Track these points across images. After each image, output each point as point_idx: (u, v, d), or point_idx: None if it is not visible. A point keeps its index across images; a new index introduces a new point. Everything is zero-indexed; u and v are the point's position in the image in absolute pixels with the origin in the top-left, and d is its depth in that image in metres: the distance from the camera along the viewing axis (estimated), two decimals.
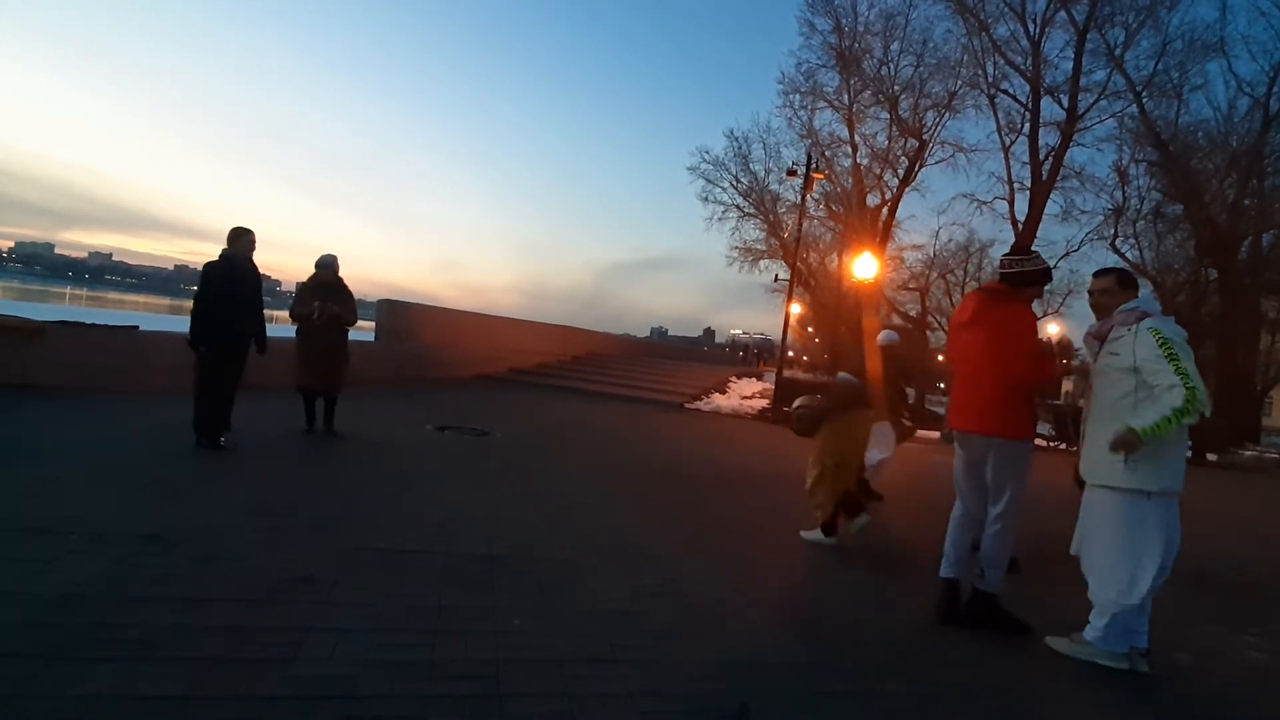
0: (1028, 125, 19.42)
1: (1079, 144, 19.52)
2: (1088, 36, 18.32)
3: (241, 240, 5.01)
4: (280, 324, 6.28)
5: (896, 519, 5.42)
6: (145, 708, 1.77)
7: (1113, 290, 2.97)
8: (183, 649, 2.07)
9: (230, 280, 4.87)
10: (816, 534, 4.29)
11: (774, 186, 23.37)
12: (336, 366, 5.85)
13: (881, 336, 5.95)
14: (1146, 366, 2.69)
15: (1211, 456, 16.42)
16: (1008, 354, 3.00)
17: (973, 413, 3.13)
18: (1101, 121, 19.29)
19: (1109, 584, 2.82)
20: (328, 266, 5.90)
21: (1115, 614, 2.78)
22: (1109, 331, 2.88)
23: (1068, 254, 21.84)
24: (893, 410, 5.34)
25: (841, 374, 4.62)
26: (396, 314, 12.48)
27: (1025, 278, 3.15)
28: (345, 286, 5.97)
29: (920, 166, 21.20)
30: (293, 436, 5.61)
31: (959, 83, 19.91)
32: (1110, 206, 20.21)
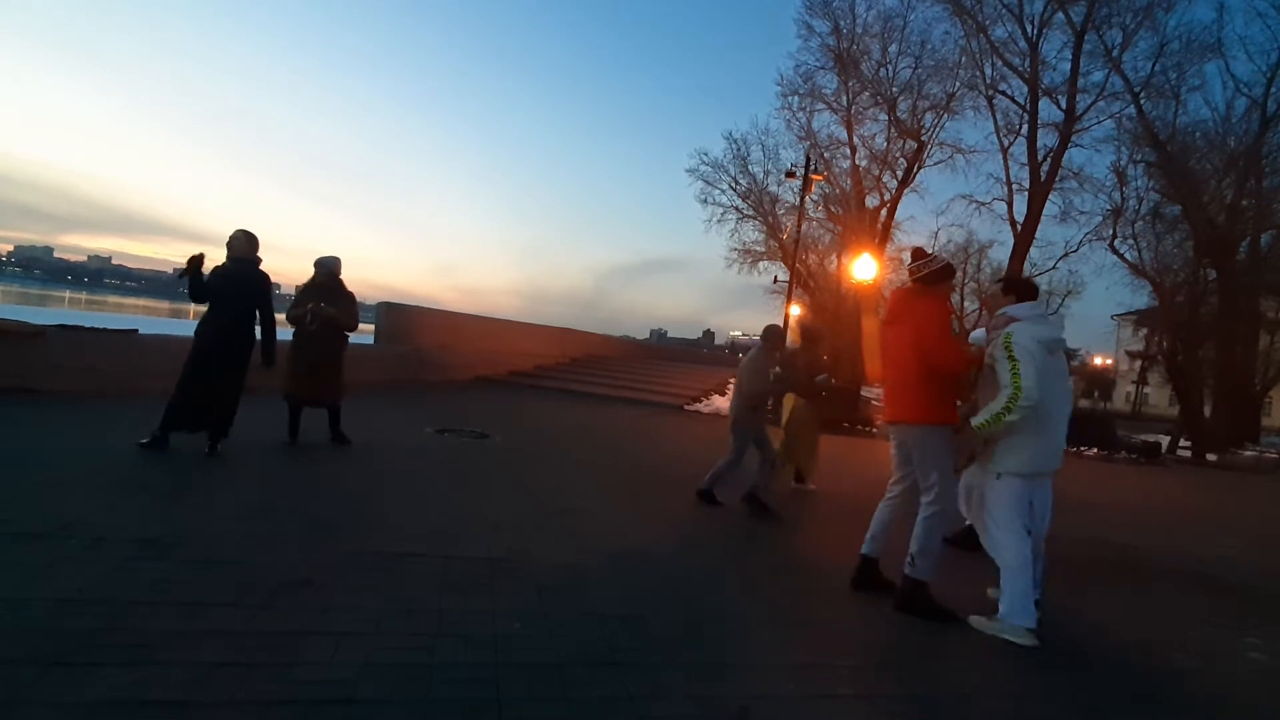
0: (1026, 126, 19.48)
1: (1077, 145, 19.59)
2: (1085, 38, 18.37)
3: (234, 245, 4.92)
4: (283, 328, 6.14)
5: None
6: (145, 713, 1.77)
7: (995, 295, 3.41)
8: (182, 653, 2.06)
9: (223, 283, 4.79)
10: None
11: (773, 188, 23.36)
12: (329, 375, 5.59)
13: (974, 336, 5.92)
14: (996, 366, 3.05)
15: (1211, 457, 16.44)
16: (928, 344, 3.18)
17: (901, 403, 3.29)
18: (1099, 122, 19.36)
19: (1001, 559, 3.13)
20: (323, 267, 5.63)
21: (1011, 587, 3.05)
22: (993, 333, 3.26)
23: (1066, 255, 21.86)
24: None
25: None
26: (395, 316, 12.48)
27: (934, 276, 3.37)
28: (345, 289, 5.72)
29: (919, 168, 21.23)
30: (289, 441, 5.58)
31: (957, 84, 19.96)
32: (1109, 207, 20.24)
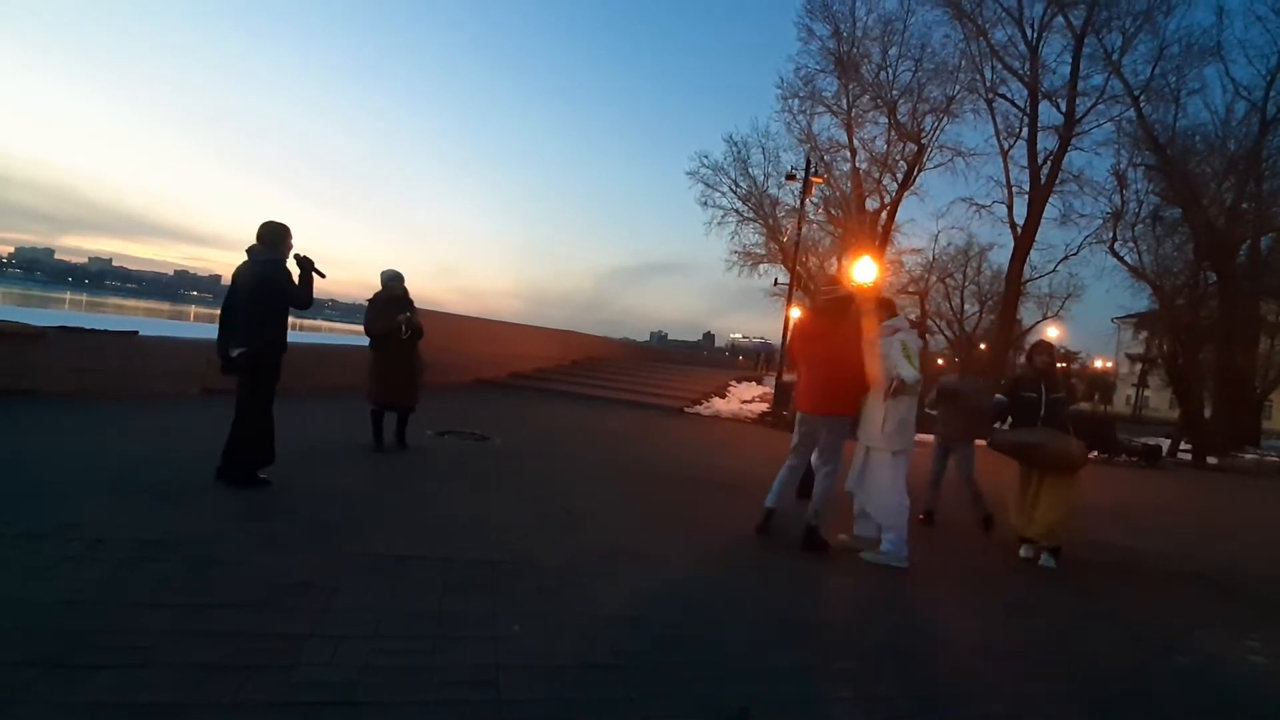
0: (1026, 129, 19.50)
1: (1077, 148, 19.59)
2: (1085, 41, 18.39)
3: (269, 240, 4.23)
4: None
5: None
6: (145, 714, 1.77)
7: (876, 313, 4.35)
8: (182, 655, 2.06)
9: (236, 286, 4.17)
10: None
11: (773, 191, 23.31)
12: (414, 380, 5.88)
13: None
14: (893, 359, 4.05)
15: (1212, 460, 16.41)
16: (856, 357, 4.13)
17: (829, 398, 4.20)
18: (1099, 125, 19.35)
19: (890, 513, 4.05)
20: (398, 280, 5.92)
21: (898, 534, 4.01)
22: (877, 341, 4.17)
23: (1066, 258, 21.87)
24: None
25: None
26: None
27: (844, 304, 4.40)
28: (411, 299, 5.99)
29: (919, 170, 21.23)
30: (293, 443, 5.57)
31: (957, 87, 19.96)
32: (1109, 210, 20.19)
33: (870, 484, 4.19)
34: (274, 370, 4.27)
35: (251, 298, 4.12)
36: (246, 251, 4.21)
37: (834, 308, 4.40)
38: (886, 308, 4.46)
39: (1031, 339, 33.02)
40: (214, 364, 4.44)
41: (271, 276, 4.15)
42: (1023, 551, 4.67)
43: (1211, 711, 2.65)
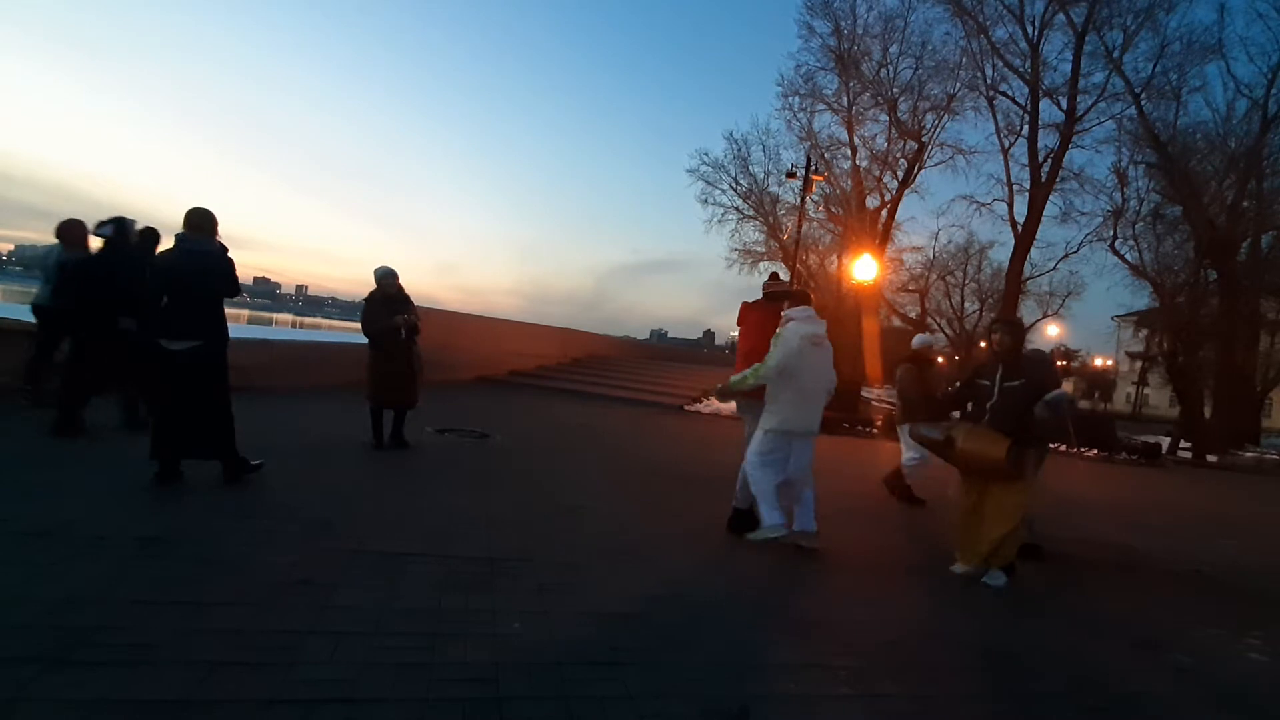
0: (1027, 127, 19.47)
1: (1078, 146, 19.57)
2: (1086, 39, 18.36)
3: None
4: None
5: (897, 519, 5.42)
6: (145, 711, 1.77)
7: (787, 304, 4.39)
8: (183, 652, 2.07)
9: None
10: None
11: (773, 188, 23.30)
12: (412, 379, 5.84)
13: (917, 340, 6.46)
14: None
15: (1212, 458, 16.42)
16: (759, 345, 4.20)
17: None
18: (1100, 123, 19.33)
19: (752, 482, 4.05)
20: (391, 278, 5.82)
21: (766, 505, 3.89)
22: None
23: (1067, 255, 21.88)
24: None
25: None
26: None
27: (775, 296, 4.50)
28: (408, 296, 5.92)
29: (919, 168, 21.20)
30: (293, 441, 5.59)
31: (958, 85, 19.94)
32: (1109, 208, 20.19)
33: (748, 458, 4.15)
34: (226, 361, 4.11)
35: (200, 288, 3.92)
36: (176, 239, 3.95)
37: (766, 301, 4.57)
38: (796, 299, 4.25)
39: (1032, 337, 33.12)
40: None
41: (222, 266, 4.01)
42: (957, 568, 3.94)
43: (1211, 710, 2.65)
